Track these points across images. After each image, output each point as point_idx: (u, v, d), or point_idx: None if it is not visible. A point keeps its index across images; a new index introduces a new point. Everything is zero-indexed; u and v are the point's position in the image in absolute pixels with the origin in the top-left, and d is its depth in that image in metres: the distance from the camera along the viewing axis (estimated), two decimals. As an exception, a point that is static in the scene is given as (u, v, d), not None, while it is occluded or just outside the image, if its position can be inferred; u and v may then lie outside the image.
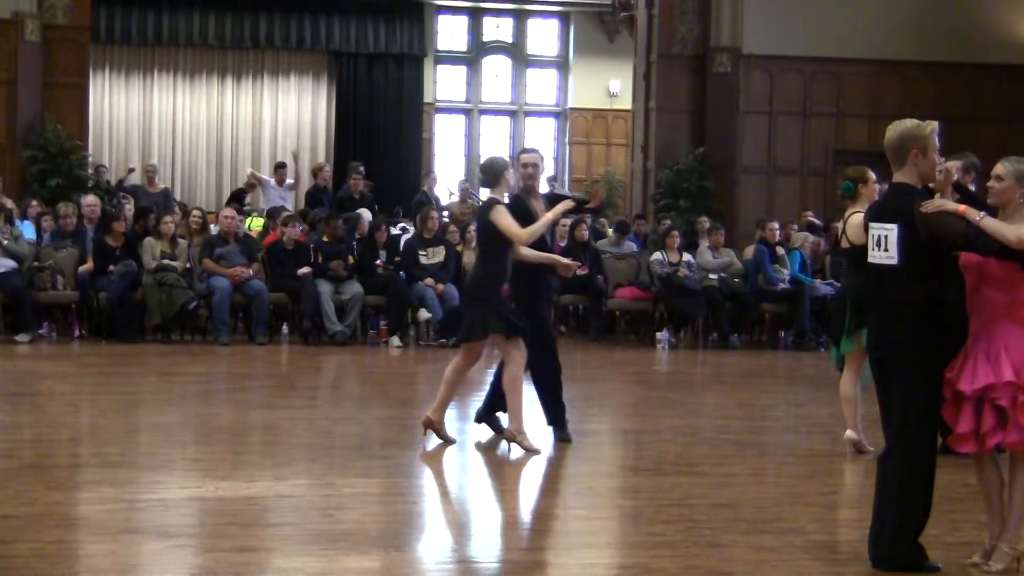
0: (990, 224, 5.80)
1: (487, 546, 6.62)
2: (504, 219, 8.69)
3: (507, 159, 9.37)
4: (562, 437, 9.19)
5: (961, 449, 5.99)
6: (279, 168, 20.06)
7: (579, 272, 16.33)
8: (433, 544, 6.62)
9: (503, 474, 8.61)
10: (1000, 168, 6.02)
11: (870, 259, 6.07)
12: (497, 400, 9.21)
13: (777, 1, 20.05)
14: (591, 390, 12.67)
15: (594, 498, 7.73)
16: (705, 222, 17.88)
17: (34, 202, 16.99)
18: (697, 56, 20.22)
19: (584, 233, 16.87)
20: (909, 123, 6.14)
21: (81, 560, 6.04)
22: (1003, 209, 5.98)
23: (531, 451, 8.72)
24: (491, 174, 8.98)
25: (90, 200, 16.55)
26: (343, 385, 13.34)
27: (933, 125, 6.12)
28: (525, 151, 9.67)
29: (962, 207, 5.91)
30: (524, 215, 8.88)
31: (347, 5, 27.06)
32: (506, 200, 9.01)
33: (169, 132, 26.95)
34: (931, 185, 6.22)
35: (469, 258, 16.65)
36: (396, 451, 8.92)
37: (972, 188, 8.50)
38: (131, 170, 22.88)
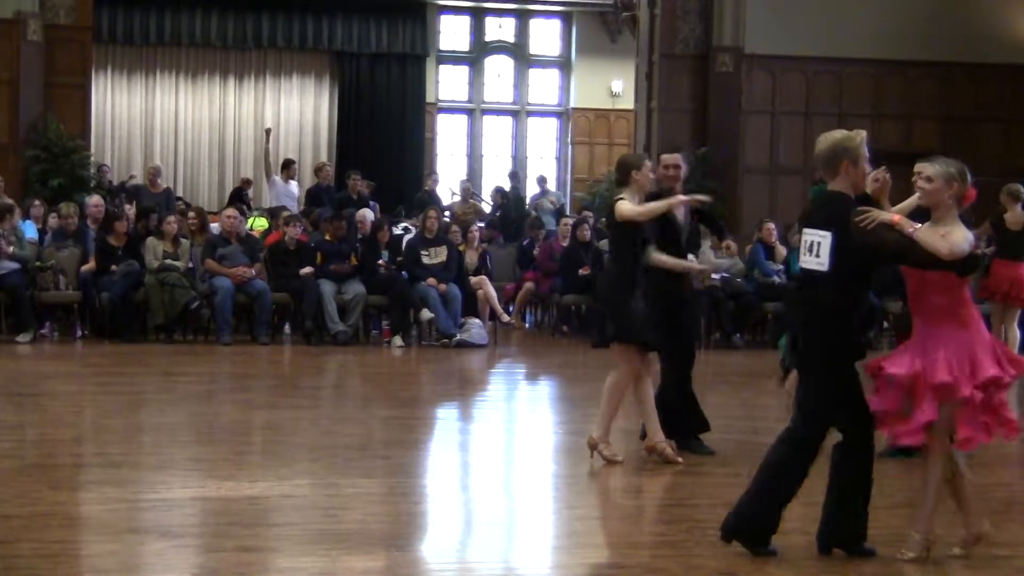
0: (923, 236, 5.86)
1: (490, 546, 6.62)
2: (625, 206, 8.31)
3: (640, 157, 8.98)
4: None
5: (910, 442, 6.17)
6: (286, 167, 19.98)
7: (581, 272, 16.46)
8: (436, 544, 6.62)
9: (506, 474, 8.62)
10: (930, 169, 6.05)
11: (801, 263, 6.16)
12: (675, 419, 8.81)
13: (779, 1, 20.04)
14: (593, 390, 12.61)
15: (596, 498, 7.73)
16: (707, 222, 17.85)
17: (36, 202, 17.00)
18: (699, 56, 20.19)
19: (586, 233, 16.88)
20: (839, 134, 6.19)
21: (84, 560, 6.05)
22: (934, 210, 6.02)
23: (613, 461, 8.40)
24: (622, 171, 8.53)
25: (95, 200, 16.59)
26: (345, 385, 13.35)
27: (862, 135, 6.17)
28: (668, 152, 9.16)
29: (896, 217, 5.96)
30: (659, 217, 8.49)
31: (349, 5, 27.04)
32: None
33: (171, 132, 26.95)
34: (868, 192, 6.30)
35: (471, 258, 16.68)
36: (399, 451, 8.93)
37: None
38: (132, 176, 22.88)
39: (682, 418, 8.79)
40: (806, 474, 6.19)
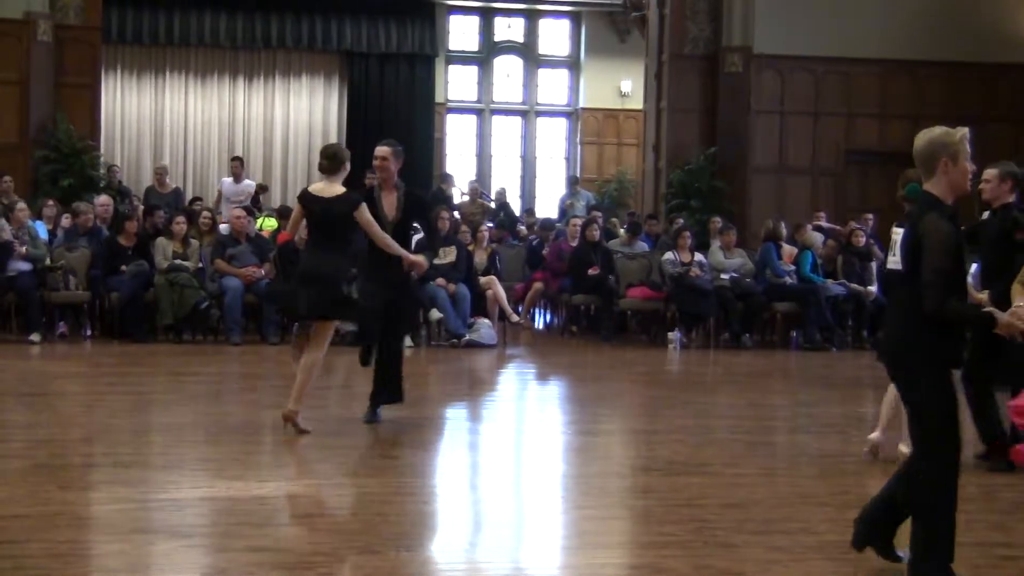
0: None
1: (497, 546, 6.62)
2: (367, 215, 9.18)
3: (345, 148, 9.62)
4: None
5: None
6: (234, 160, 19.82)
7: (590, 272, 16.46)
8: (444, 544, 6.63)
9: (513, 474, 8.62)
10: None
11: (888, 264, 6.01)
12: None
13: (788, 1, 20.04)
14: (602, 390, 12.69)
15: (605, 498, 7.73)
16: (717, 222, 17.87)
17: (50, 202, 17.04)
18: (708, 56, 20.22)
19: (596, 233, 16.88)
20: (938, 131, 5.82)
21: (93, 560, 6.06)
22: None
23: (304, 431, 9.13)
24: (336, 161, 9.22)
25: (103, 200, 16.64)
26: (353, 385, 13.33)
27: (963, 132, 5.81)
28: (380, 144, 9.79)
29: None
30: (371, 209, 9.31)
31: (359, 5, 27.08)
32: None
33: (181, 132, 27.01)
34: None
35: (481, 258, 16.68)
36: (406, 451, 8.94)
37: (1012, 198, 8.41)
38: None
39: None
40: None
